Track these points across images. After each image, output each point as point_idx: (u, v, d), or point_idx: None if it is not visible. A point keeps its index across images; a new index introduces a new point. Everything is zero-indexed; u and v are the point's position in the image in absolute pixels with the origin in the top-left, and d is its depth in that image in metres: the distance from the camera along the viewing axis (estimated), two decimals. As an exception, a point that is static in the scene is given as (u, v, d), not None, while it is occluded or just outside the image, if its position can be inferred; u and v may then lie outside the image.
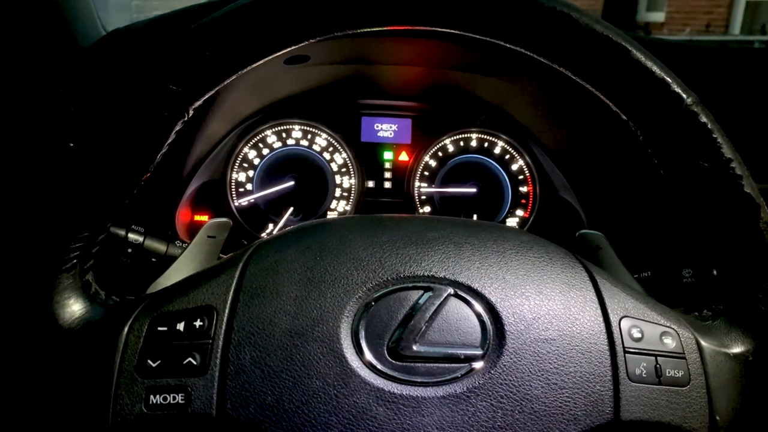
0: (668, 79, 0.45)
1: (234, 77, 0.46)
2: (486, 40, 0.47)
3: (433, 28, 0.46)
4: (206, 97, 0.46)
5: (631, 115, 0.49)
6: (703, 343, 0.46)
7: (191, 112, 0.46)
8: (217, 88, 0.46)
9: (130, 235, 0.72)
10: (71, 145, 0.43)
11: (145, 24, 0.87)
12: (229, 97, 0.94)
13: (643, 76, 0.46)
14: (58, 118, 0.75)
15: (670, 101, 0.46)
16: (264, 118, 1.07)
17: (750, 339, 0.47)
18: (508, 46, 0.47)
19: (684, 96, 0.46)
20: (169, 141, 0.46)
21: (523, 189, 1.12)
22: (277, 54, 0.46)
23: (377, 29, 0.45)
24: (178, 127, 0.46)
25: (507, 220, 1.12)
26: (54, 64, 0.82)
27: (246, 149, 1.07)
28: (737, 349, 0.47)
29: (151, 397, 0.40)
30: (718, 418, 0.44)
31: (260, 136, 1.08)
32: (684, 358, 0.45)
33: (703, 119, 0.46)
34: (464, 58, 0.94)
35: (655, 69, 0.45)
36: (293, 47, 0.46)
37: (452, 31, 0.46)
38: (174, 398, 0.40)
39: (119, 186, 0.45)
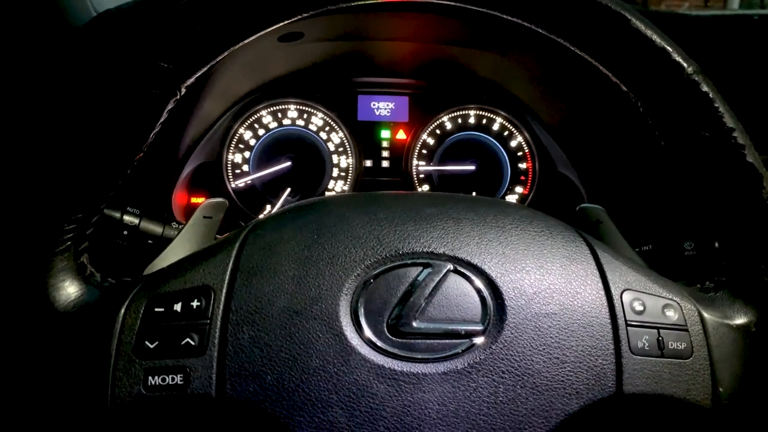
0: (669, 48, 0.45)
1: (226, 54, 0.45)
2: (483, 13, 0.46)
3: (430, 0, 0.45)
4: (198, 74, 0.45)
5: (632, 86, 0.48)
6: (705, 315, 0.46)
7: (183, 91, 0.45)
8: (209, 66, 0.45)
9: (126, 217, 0.72)
10: (64, 94, 0.42)
11: (135, 3, 0.86)
12: (223, 76, 0.93)
13: (643, 45, 0.45)
14: (50, 100, 0.74)
15: (670, 71, 0.45)
16: (259, 97, 1.06)
17: (753, 310, 0.47)
18: (505, 17, 0.46)
19: (685, 65, 0.45)
20: (162, 120, 0.45)
21: (522, 165, 1.11)
22: (270, 29, 0.45)
23: (371, 2, 0.44)
24: (170, 106, 0.45)
25: (506, 197, 1.11)
26: (45, 46, 0.80)
27: (241, 130, 1.06)
28: (740, 321, 0.47)
29: (150, 378, 0.40)
30: (720, 389, 0.44)
31: (255, 116, 1.07)
32: (686, 330, 0.44)
33: (705, 88, 0.45)
34: (461, 33, 0.92)
35: (656, 38, 0.45)
36: (286, 22, 0.45)
37: (448, 3, 0.45)
38: (173, 379, 0.40)
39: (112, 166, 0.44)
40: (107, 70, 0.43)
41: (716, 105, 0.45)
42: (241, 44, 0.45)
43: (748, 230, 0.47)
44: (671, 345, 0.44)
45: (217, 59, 0.45)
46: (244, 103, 1.06)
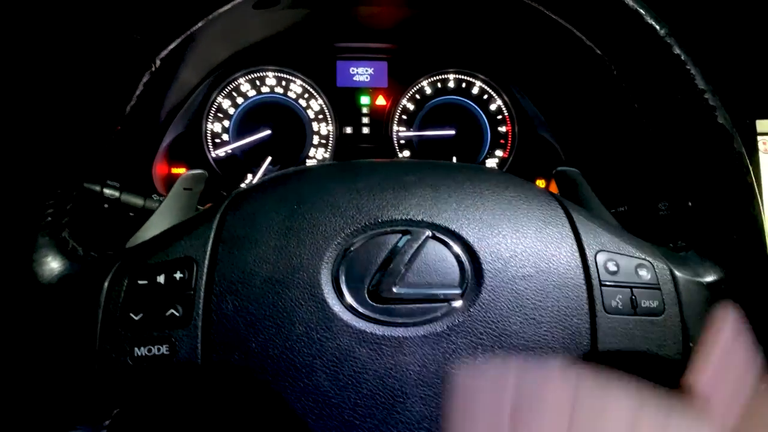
0: (641, 10, 0.45)
1: (201, 23, 0.45)
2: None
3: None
4: (173, 46, 0.45)
5: (605, 49, 0.48)
6: (677, 273, 0.47)
7: (158, 63, 0.45)
8: (183, 36, 0.45)
9: (106, 191, 0.71)
10: (39, 101, 0.42)
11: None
12: (199, 44, 0.92)
13: (615, 8, 0.45)
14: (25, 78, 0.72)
15: (643, 33, 0.45)
16: (236, 65, 1.05)
17: (722, 268, 0.48)
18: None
19: (657, 27, 0.45)
20: (138, 93, 0.45)
21: (502, 129, 1.11)
22: None
23: None
24: (145, 79, 0.45)
25: (486, 160, 1.12)
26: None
27: (220, 99, 1.06)
28: (710, 278, 0.48)
29: (136, 349, 0.41)
30: (691, 344, 0.45)
31: (234, 84, 1.06)
32: (659, 288, 0.46)
33: (676, 51, 0.46)
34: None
35: (629, 1, 0.45)
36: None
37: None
38: (159, 350, 0.41)
39: (89, 141, 0.44)
40: (81, 43, 0.43)
41: (687, 67, 0.46)
42: (214, 14, 0.45)
43: (719, 190, 0.48)
44: (644, 303, 0.45)
45: (191, 30, 0.45)
46: (222, 71, 1.05)
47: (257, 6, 0.87)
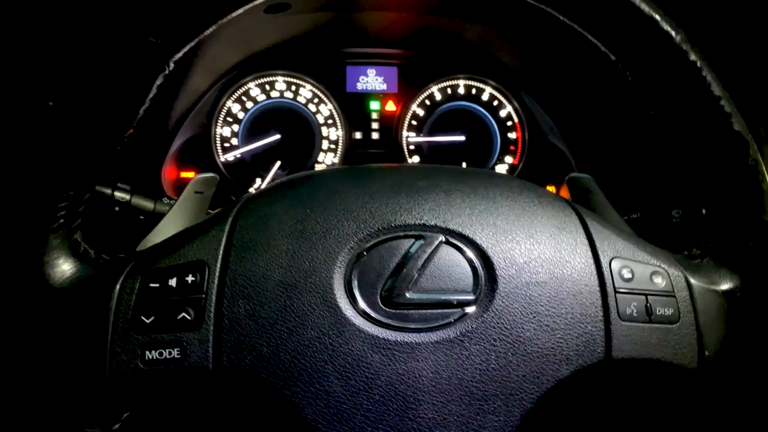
0: (657, 16, 0.45)
1: (214, 27, 0.45)
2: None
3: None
4: (187, 49, 0.45)
5: (620, 55, 0.48)
6: (692, 281, 0.46)
7: (172, 65, 0.45)
8: (197, 39, 0.45)
9: (117, 194, 0.72)
10: (50, 104, 0.42)
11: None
12: (210, 49, 0.92)
13: (631, 14, 0.45)
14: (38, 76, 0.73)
15: (658, 39, 0.45)
16: (246, 70, 1.05)
17: (738, 276, 0.48)
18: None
19: (673, 33, 0.45)
20: (151, 96, 0.45)
21: (512, 135, 1.11)
22: (257, 1, 0.44)
23: None
24: (159, 81, 0.45)
25: (496, 167, 1.12)
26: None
27: (229, 103, 1.06)
28: (725, 286, 0.48)
29: (147, 352, 0.41)
30: (706, 353, 0.45)
31: (243, 89, 1.06)
32: (674, 296, 0.45)
33: (692, 57, 0.45)
34: (449, 2, 0.92)
35: (644, 7, 0.45)
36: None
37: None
38: (170, 353, 0.41)
39: (102, 143, 0.44)
40: (96, 45, 0.43)
41: (704, 74, 0.46)
42: (229, 17, 0.45)
43: (734, 197, 0.48)
44: (659, 311, 0.45)
45: (205, 33, 0.45)
46: (232, 75, 1.05)
47: (269, 11, 0.87)
